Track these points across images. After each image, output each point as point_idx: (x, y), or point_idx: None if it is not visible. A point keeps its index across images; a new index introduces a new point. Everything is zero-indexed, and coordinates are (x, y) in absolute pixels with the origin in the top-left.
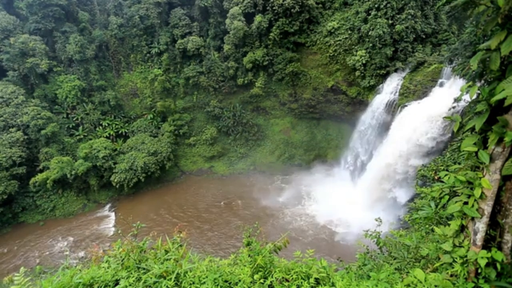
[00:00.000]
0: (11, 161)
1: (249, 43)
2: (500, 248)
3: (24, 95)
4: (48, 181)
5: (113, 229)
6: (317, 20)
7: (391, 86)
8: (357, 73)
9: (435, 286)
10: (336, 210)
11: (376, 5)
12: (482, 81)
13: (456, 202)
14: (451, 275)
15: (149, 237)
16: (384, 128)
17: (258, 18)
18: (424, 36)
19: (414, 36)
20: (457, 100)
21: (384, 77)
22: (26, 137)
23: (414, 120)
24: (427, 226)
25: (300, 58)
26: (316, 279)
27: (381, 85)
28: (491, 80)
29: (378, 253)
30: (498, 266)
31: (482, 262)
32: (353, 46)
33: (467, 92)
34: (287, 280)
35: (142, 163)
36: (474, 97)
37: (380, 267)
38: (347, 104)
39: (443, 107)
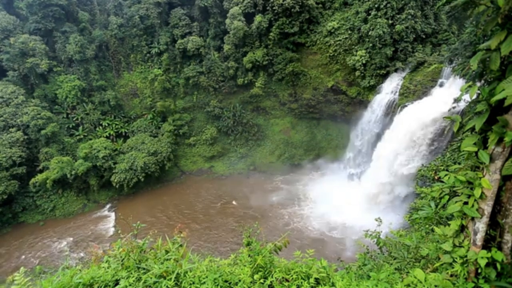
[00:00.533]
0: (11, 161)
1: (249, 43)
2: (500, 248)
3: (24, 95)
4: (48, 181)
5: (113, 229)
6: (317, 20)
7: (391, 86)
8: (357, 73)
9: (435, 286)
10: (335, 211)
11: (376, 5)
12: (482, 81)
13: (456, 202)
14: (451, 275)
15: (149, 236)
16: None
17: (258, 18)
18: (424, 36)
19: (414, 36)
20: (457, 100)
21: (384, 77)
22: (26, 137)
23: (397, 143)
24: (427, 226)
25: (300, 58)
26: (316, 279)
27: (381, 85)
28: (491, 80)
29: (378, 253)
30: (498, 266)
31: (482, 262)
32: (353, 46)
33: (467, 92)
34: (287, 280)
35: (142, 163)
36: (474, 97)
37: (380, 267)
38: (347, 104)
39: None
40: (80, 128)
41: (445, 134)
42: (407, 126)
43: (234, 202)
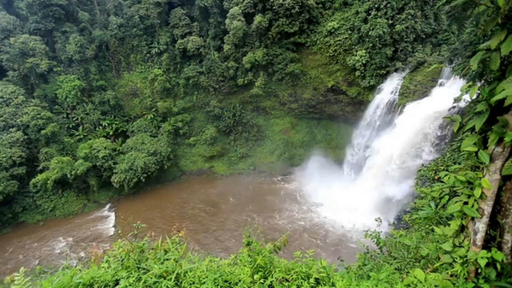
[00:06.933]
0: (11, 161)
1: (249, 43)
2: (500, 248)
3: (24, 95)
4: (48, 182)
5: (113, 229)
6: (317, 20)
7: (391, 86)
8: (357, 73)
9: (435, 286)
10: (335, 210)
11: (376, 5)
12: (482, 81)
13: (456, 202)
14: (451, 275)
15: (150, 236)
16: None
17: (257, 18)
18: (424, 36)
19: (414, 36)
20: (457, 100)
21: (384, 77)
22: (26, 137)
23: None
24: (427, 226)
25: (300, 58)
26: (316, 279)
27: (381, 85)
28: (491, 80)
29: (378, 253)
30: (498, 266)
31: (482, 262)
32: (353, 46)
33: (467, 92)
34: (287, 280)
35: (142, 163)
36: (474, 97)
37: (380, 267)
38: (347, 104)
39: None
40: (80, 128)
41: (445, 133)
42: (407, 126)
43: (233, 202)
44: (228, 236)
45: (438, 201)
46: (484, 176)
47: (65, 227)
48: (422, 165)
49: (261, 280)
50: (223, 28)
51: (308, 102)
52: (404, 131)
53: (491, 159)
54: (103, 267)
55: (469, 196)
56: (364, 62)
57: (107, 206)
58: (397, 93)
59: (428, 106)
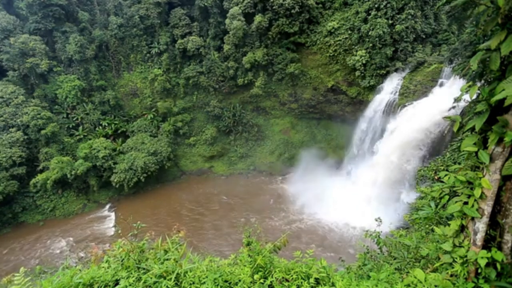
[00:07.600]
0: (11, 161)
1: (249, 43)
2: (500, 248)
3: (24, 95)
4: (48, 182)
5: (113, 229)
6: (317, 20)
7: (391, 86)
8: (357, 73)
9: (435, 286)
10: (334, 210)
11: (376, 5)
12: (482, 81)
13: (456, 202)
14: (451, 275)
15: (149, 236)
16: None
17: (258, 18)
18: (424, 36)
19: (414, 36)
20: (457, 100)
21: (384, 77)
22: (26, 137)
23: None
24: (427, 226)
25: (300, 58)
26: (316, 279)
27: (381, 85)
28: (491, 80)
29: (378, 253)
30: (498, 266)
31: (482, 262)
32: (353, 46)
33: (467, 92)
34: (287, 280)
35: (142, 163)
36: (474, 97)
37: (380, 267)
38: (347, 104)
39: None
40: (80, 128)
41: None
42: (406, 127)
43: (233, 202)
44: (227, 236)
45: (438, 201)
46: (484, 176)
47: (65, 227)
48: (422, 165)
49: (261, 280)
50: (223, 28)
51: (308, 102)
52: (382, 166)
53: (491, 159)
54: (103, 267)
55: (469, 196)
56: (364, 62)
57: (107, 206)
58: (397, 93)
59: (408, 130)
